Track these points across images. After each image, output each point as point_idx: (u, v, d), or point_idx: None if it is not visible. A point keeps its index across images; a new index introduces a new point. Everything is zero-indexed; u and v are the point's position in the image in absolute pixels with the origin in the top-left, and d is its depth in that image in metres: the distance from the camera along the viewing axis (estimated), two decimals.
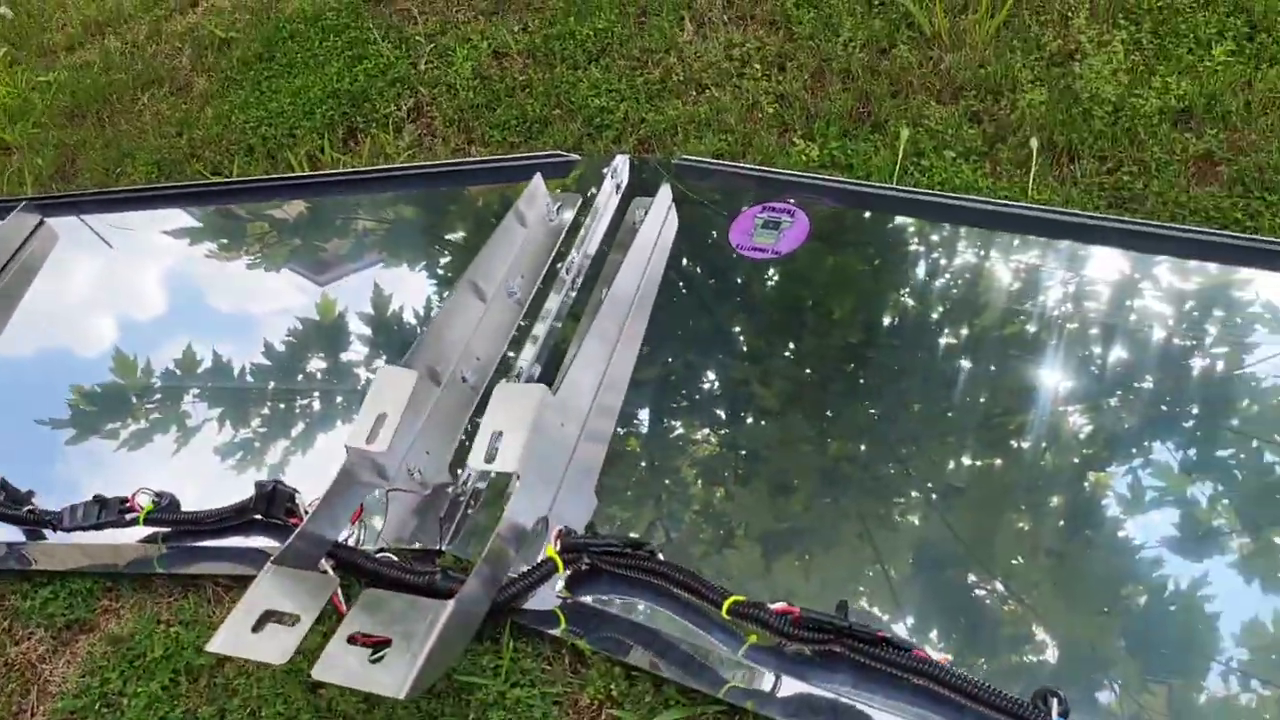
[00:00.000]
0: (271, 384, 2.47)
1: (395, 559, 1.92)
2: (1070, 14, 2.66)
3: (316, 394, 2.42)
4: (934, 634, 1.68)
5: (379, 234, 2.77)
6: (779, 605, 1.67)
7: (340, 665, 1.61)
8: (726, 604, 1.69)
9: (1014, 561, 1.72)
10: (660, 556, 1.81)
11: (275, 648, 1.66)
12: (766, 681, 1.68)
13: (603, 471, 2.04)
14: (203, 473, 2.26)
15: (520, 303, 2.37)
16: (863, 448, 1.96)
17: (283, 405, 2.41)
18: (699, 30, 3.01)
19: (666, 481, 2.04)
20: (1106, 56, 2.46)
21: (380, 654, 1.61)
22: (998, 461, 1.88)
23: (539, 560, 1.83)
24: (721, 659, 1.72)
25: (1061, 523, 1.74)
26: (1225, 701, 1.49)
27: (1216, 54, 2.42)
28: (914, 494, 1.85)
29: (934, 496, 1.83)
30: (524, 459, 1.82)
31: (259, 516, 2.05)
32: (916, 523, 1.82)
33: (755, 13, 3.00)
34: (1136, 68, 2.47)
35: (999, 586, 1.70)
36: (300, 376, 2.46)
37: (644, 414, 2.14)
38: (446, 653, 1.68)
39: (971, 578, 1.72)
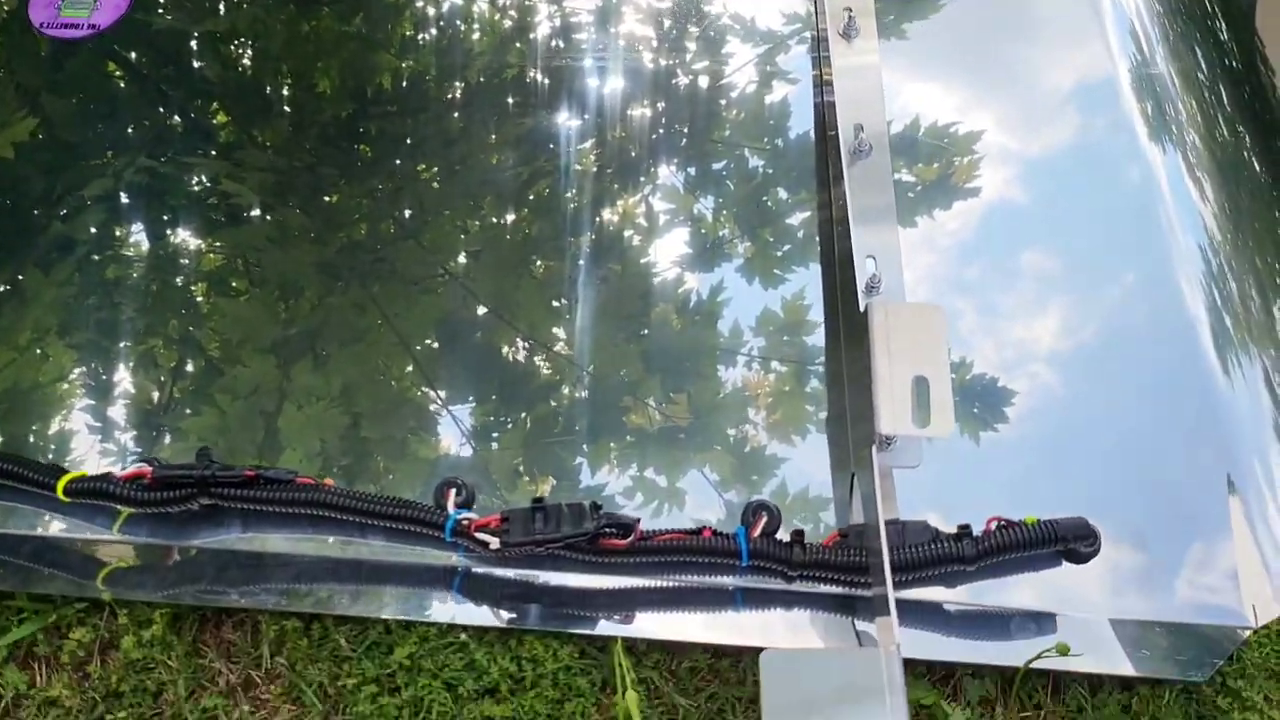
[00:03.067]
0: None
1: None
2: None
3: None
4: (470, 399, 1.59)
5: None
6: (130, 470, 1.39)
7: None
8: (61, 485, 1.37)
9: (544, 311, 1.68)
10: None
11: None
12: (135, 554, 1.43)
13: None
14: None
15: None
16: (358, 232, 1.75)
17: None
18: None
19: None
20: None
21: None
22: (510, 217, 1.78)
23: None
24: (95, 545, 1.44)
25: (585, 262, 1.72)
26: (747, 387, 1.59)
27: None
28: (431, 267, 1.72)
29: (451, 264, 1.73)
30: None
31: None
32: (437, 296, 1.69)
33: None
34: None
35: (531, 340, 1.65)
36: None
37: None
38: None
39: (502, 339, 1.66)
